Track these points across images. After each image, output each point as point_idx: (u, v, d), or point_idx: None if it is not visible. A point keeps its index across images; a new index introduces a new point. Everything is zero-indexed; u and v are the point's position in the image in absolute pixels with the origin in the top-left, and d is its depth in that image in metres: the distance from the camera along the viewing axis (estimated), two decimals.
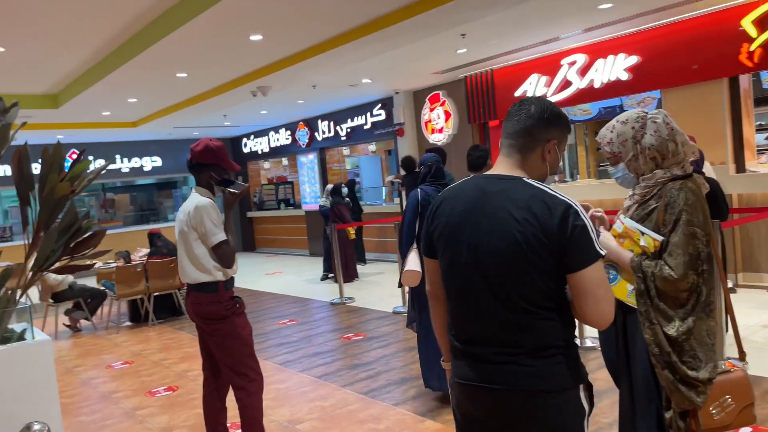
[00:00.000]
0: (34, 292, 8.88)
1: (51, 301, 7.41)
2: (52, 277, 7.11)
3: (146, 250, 8.13)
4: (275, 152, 15.28)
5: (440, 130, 10.28)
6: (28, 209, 2.67)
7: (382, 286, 8.73)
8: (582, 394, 1.60)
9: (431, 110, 10.37)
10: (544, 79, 8.20)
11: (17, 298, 2.69)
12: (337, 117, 12.67)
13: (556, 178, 8.80)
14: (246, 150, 16.32)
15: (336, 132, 12.79)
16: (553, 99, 7.55)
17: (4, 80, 7.84)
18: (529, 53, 8.11)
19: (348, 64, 7.35)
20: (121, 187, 17.20)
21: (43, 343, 2.64)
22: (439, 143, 10.25)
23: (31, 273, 2.65)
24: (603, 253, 1.55)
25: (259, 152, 15.84)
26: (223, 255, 3.05)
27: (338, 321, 6.91)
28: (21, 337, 2.69)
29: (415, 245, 3.97)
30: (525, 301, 1.56)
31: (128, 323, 7.79)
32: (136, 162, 15.33)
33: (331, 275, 9.73)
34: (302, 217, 14.04)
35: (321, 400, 4.35)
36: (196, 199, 3.06)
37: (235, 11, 5.09)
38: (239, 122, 13.39)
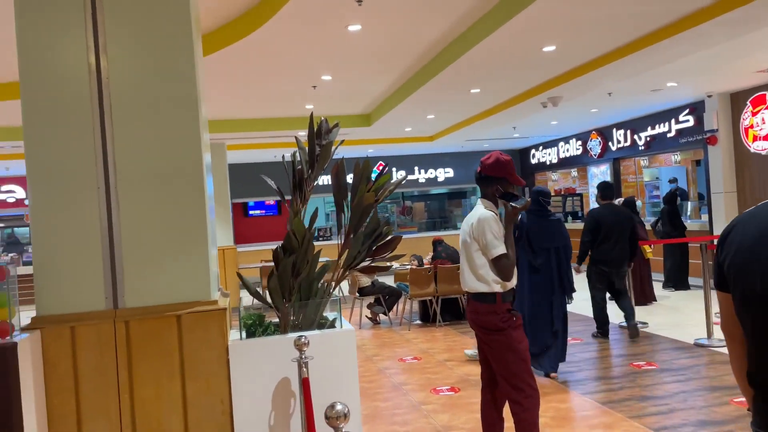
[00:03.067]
0: (344, 286, 10.25)
1: (357, 294, 8.49)
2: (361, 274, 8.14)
3: (431, 255, 8.74)
4: (564, 163, 14.89)
5: (765, 137, 8.72)
6: (342, 215, 3.09)
7: (682, 313, 7.77)
8: None
9: (754, 114, 8.87)
10: None
11: (331, 290, 3.13)
12: (634, 125, 11.76)
13: None
14: (534, 161, 16.27)
15: (633, 141, 11.87)
16: None
17: (329, 103, 9.25)
18: None
19: (650, 68, 6.75)
20: (417, 196, 18.82)
21: (349, 331, 3.02)
22: (764, 152, 8.71)
23: (342, 269, 3.06)
24: None
25: (548, 163, 15.64)
26: (502, 268, 3.07)
27: (627, 346, 6.36)
28: (332, 324, 3.12)
29: None
30: None
31: (418, 322, 8.43)
32: (431, 173, 16.57)
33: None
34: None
35: (604, 428, 4.06)
36: (479, 211, 3.15)
37: (533, 24, 5.10)
38: (528, 133, 13.41)
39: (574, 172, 15.60)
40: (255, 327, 3.11)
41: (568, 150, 14.42)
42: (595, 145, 13.11)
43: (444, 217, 19.32)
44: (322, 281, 3.14)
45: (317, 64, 6.76)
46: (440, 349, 6.69)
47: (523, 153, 16.79)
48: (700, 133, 9.89)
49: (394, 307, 8.60)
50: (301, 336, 2.80)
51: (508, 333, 3.08)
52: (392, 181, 3.01)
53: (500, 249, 3.05)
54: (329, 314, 3.22)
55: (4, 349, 2.40)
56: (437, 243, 8.37)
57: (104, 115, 2.83)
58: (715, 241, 1.57)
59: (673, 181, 12.67)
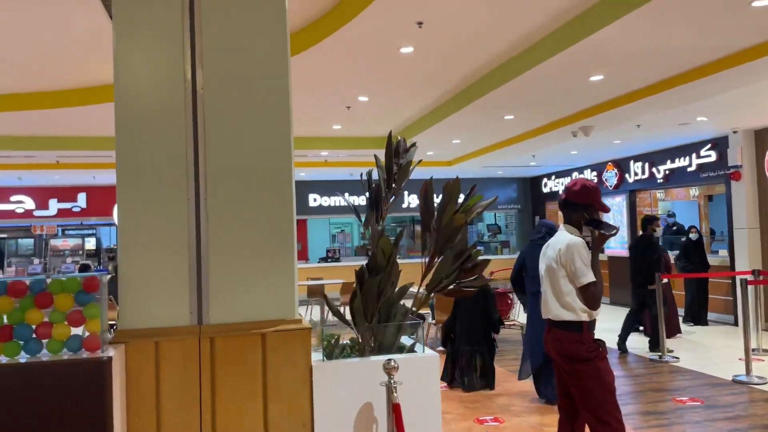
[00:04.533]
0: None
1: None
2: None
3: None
4: None
5: None
6: (426, 235, 3.03)
7: (710, 348, 7.70)
8: None
9: None
10: None
11: (411, 313, 3.05)
12: (653, 158, 11.80)
13: None
14: (545, 190, 16.29)
15: (651, 174, 11.90)
16: None
17: (357, 125, 9.24)
18: None
19: (690, 101, 6.79)
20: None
21: (432, 357, 2.94)
22: None
23: (427, 292, 2.99)
24: None
25: (560, 192, 15.66)
26: (591, 296, 3.02)
27: (665, 381, 6.27)
28: (411, 349, 3.04)
29: None
30: None
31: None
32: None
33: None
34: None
35: None
36: (567, 237, 3.10)
37: (588, 53, 5.12)
38: (545, 162, 13.45)
39: None
40: (331, 348, 3.03)
41: None
42: (611, 176, 13.14)
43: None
44: (401, 303, 3.07)
45: (357, 86, 6.76)
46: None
47: (534, 181, 16.82)
48: (722, 168, 9.93)
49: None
50: (390, 360, 2.72)
51: (594, 364, 3.01)
52: (482, 203, 2.96)
53: (589, 276, 2.99)
54: (405, 339, 3.14)
55: (101, 363, 2.32)
56: None
57: (197, 126, 2.78)
58: (748, 277, 1.50)
59: (672, 215, 12.79)
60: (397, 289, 3.05)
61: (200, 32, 2.80)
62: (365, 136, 10.20)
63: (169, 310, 2.70)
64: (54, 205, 14.00)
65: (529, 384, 5.85)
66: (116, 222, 2.74)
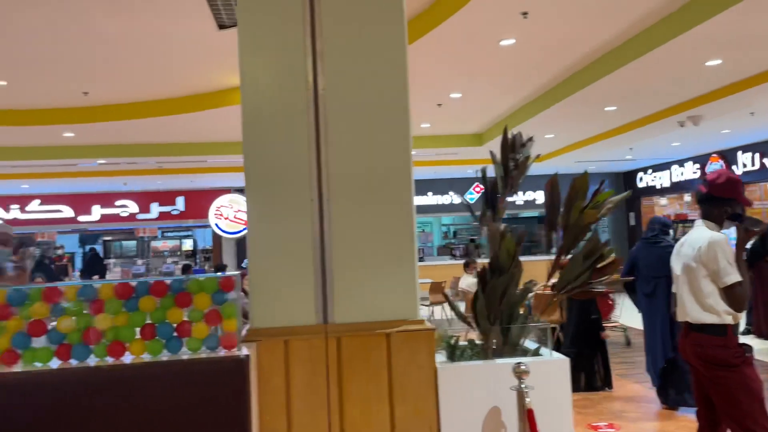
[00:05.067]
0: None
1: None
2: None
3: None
4: (677, 187, 14.10)
5: None
6: (552, 234, 2.90)
7: None
8: None
9: None
10: None
11: (536, 316, 2.93)
12: (765, 148, 10.95)
13: None
14: (641, 185, 15.52)
15: (762, 165, 11.05)
16: None
17: (445, 122, 9.14)
18: None
19: None
20: (508, 219, 18.39)
21: (562, 361, 2.81)
22: None
23: (555, 293, 2.87)
24: None
25: (657, 187, 14.86)
26: (736, 297, 2.78)
27: None
28: (536, 352, 2.92)
29: None
30: None
31: None
32: (529, 195, 16.16)
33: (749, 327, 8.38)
34: None
35: None
36: (707, 234, 2.88)
37: (705, 38, 4.79)
38: (644, 155, 12.80)
39: (687, 197, 14.72)
40: (451, 350, 2.96)
41: (682, 173, 13.65)
42: (715, 169, 12.32)
43: (534, 241, 18.75)
44: (525, 304, 2.96)
45: (451, 82, 6.67)
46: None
47: (628, 176, 16.06)
48: None
49: None
50: (520, 363, 2.62)
51: (741, 370, 2.77)
52: (613, 198, 2.80)
53: (735, 276, 2.76)
54: (528, 342, 3.03)
55: (240, 361, 2.36)
56: None
57: (319, 128, 2.80)
58: None
59: None
60: (518, 289, 2.94)
61: (321, 34, 2.81)
62: (453, 133, 10.08)
63: (296, 309, 2.73)
64: (155, 209, 14.80)
65: (640, 388, 5.56)
66: (246, 224, 2.79)
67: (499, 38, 5.17)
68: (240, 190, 14.52)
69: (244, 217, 14.12)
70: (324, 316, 2.74)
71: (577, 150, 10.87)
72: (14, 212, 14.12)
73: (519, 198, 15.93)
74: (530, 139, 3.27)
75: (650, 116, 8.12)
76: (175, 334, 2.47)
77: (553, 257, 3.04)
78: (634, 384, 5.96)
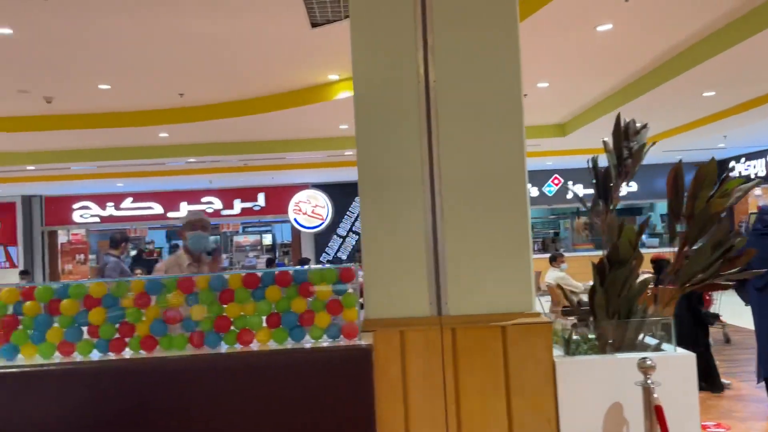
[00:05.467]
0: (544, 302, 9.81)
1: (560, 314, 8.02)
2: None
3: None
4: None
5: None
6: (675, 224, 2.78)
7: None
8: None
9: None
10: None
11: (655, 311, 2.82)
12: None
13: None
14: (733, 174, 14.64)
15: None
16: None
17: (533, 112, 8.93)
18: None
19: None
20: (584, 211, 17.75)
21: (688, 357, 2.69)
22: None
23: (679, 286, 2.75)
24: None
25: (752, 176, 13.97)
26: None
27: None
28: (657, 348, 2.81)
29: None
30: None
31: None
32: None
33: None
34: None
35: None
36: None
37: None
38: (736, 143, 12.07)
39: None
40: (565, 343, 2.90)
41: None
42: None
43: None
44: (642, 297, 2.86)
45: (540, 71, 6.53)
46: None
47: (719, 165, 15.17)
48: None
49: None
50: (646, 358, 2.53)
51: None
52: (744, 186, 2.65)
53: None
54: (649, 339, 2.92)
55: (365, 350, 2.41)
56: (661, 262, 7.65)
57: (431, 118, 2.80)
58: None
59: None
60: (637, 283, 2.84)
61: (432, 27, 2.81)
62: (536, 124, 9.86)
63: (410, 300, 2.75)
64: (238, 205, 15.33)
65: (746, 386, 5.26)
66: (360, 216, 2.83)
67: (597, 24, 5.00)
68: (317, 186, 14.82)
69: (322, 212, 14.49)
70: (438, 308, 2.74)
71: (668, 138, 10.37)
72: (110, 209, 15.00)
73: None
74: (645, 126, 3.16)
75: (752, 101, 7.63)
76: (298, 323, 2.55)
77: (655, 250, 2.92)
78: (739, 382, 5.66)
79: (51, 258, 15.02)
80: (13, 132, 8.10)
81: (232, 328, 2.53)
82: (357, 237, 14.90)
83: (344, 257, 14.90)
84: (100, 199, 14.91)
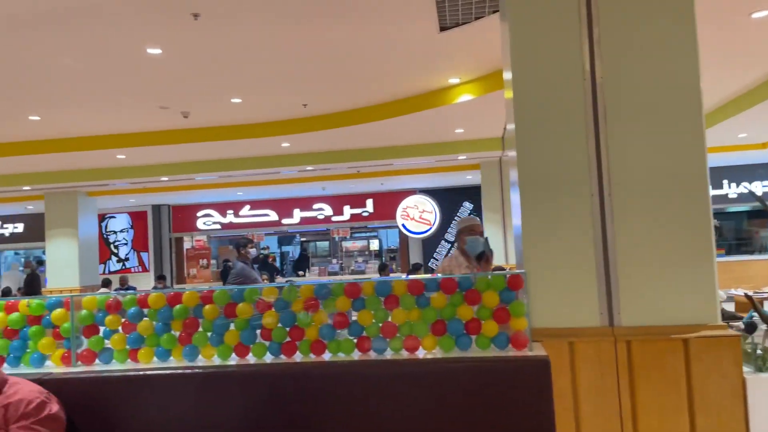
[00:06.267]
0: None
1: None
2: None
3: None
4: None
5: None
6: None
7: None
8: None
9: None
10: None
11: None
12: None
13: None
14: None
15: None
16: None
17: None
18: None
19: None
20: (716, 214, 16.45)
21: None
22: None
23: None
24: None
25: None
26: None
27: None
28: None
29: None
30: None
31: None
32: (743, 188, 14.33)
33: None
34: None
35: None
36: None
37: None
38: None
39: None
40: (756, 358, 2.64)
41: None
42: None
43: (744, 238, 16.57)
44: None
45: None
46: None
47: None
48: None
49: None
50: None
51: None
52: None
53: None
54: None
55: (542, 362, 2.30)
56: None
57: (598, 118, 2.66)
58: None
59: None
60: None
61: (598, 20, 2.66)
62: None
63: (578, 310, 2.62)
64: (347, 211, 15.67)
65: None
66: (519, 219, 2.74)
67: (751, 10, 4.59)
68: (425, 191, 14.81)
69: (430, 217, 14.45)
70: (610, 318, 2.59)
71: None
72: (229, 216, 15.85)
73: (731, 191, 14.19)
74: None
75: None
76: (464, 331, 2.49)
77: None
78: None
79: (177, 263, 16.09)
80: (152, 146, 8.74)
81: (397, 334, 2.52)
82: None
83: None
84: (221, 207, 15.79)
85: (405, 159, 10.80)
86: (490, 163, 11.21)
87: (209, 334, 2.60)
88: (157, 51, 5.40)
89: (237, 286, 2.69)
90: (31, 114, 7.37)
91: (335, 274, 15.64)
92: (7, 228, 16.15)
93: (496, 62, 6.07)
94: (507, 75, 2.92)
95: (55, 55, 5.36)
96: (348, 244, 17.65)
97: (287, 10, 4.64)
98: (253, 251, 7.02)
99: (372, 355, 2.53)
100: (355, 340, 2.55)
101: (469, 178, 13.54)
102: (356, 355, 2.54)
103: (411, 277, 2.65)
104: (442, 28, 5.12)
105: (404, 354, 2.51)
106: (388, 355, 2.52)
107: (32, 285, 12.52)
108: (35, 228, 14.77)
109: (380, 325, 2.53)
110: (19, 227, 16.08)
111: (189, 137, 8.56)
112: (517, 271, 2.52)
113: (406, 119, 7.82)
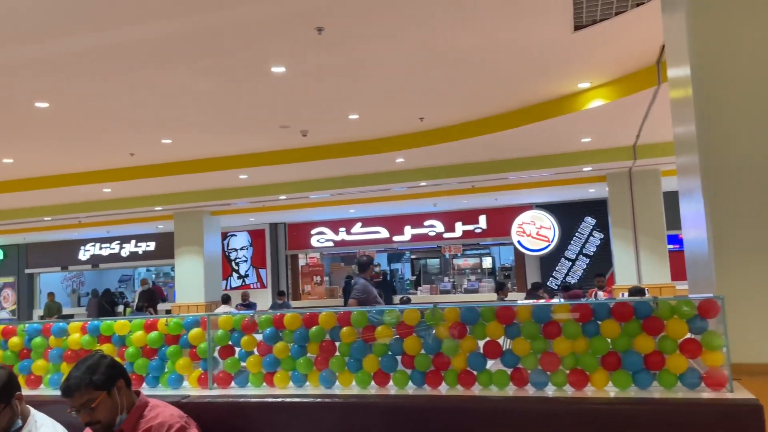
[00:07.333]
0: None
1: None
2: None
3: None
4: None
5: None
6: None
7: None
8: None
9: None
10: None
11: None
12: None
13: None
14: None
15: None
16: None
17: None
18: None
19: None
20: None
21: None
22: None
23: None
24: None
25: None
26: None
27: None
28: None
29: None
30: None
31: None
32: None
33: None
34: None
35: None
36: None
37: None
38: None
39: None
40: None
41: None
42: None
43: None
44: None
45: None
46: None
47: None
48: None
49: None
50: None
51: None
52: None
53: None
54: None
55: (751, 408, 1.86)
56: None
57: None
58: None
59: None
60: None
61: None
62: None
63: None
64: (459, 228, 15.30)
65: None
66: (696, 232, 2.31)
67: None
68: (541, 206, 14.12)
69: (548, 233, 13.72)
70: None
71: None
72: (342, 234, 16.03)
73: None
74: None
75: None
76: (643, 366, 2.10)
77: None
78: None
79: (293, 279, 16.49)
80: (271, 165, 8.95)
81: (560, 367, 2.17)
82: (588, 260, 13.84)
83: (573, 281, 13.91)
84: (334, 225, 16.02)
85: (523, 172, 10.30)
86: (618, 175, 10.41)
87: (347, 358, 2.40)
88: (281, 69, 5.44)
89: (371, 307, 2.49)
90: (164, 138, 7.77)
91: (447, 292, 15.29)
92: (140, 246, 17.40)
93: (633, 62, 5.54)
94: (678, 71, 2.53)
95: (185, 77, 5.55)
96: (459, 262, 17.23)
97: (414, 14, 4.45)
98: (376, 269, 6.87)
99: (530, 390, 2.20)
100: (510, 372, 2.24)
101: (592, 192, 12.71)
102: (511, 389, 2.23)
103: (563, 301, 2.30)
104: (577, 27, 4.72)
105: (569, 391, 2.16)
106: (550, 391, 2.18)
107: (151, 299, 13.56)
108: (165, 246, 15.76)
109: (539, 355, 2.20)
110: (151, 245, 17.26)
111: (307, 156, 8.66)
112: (710, 295, 2.10)
113: (527, 129, 7.39)
